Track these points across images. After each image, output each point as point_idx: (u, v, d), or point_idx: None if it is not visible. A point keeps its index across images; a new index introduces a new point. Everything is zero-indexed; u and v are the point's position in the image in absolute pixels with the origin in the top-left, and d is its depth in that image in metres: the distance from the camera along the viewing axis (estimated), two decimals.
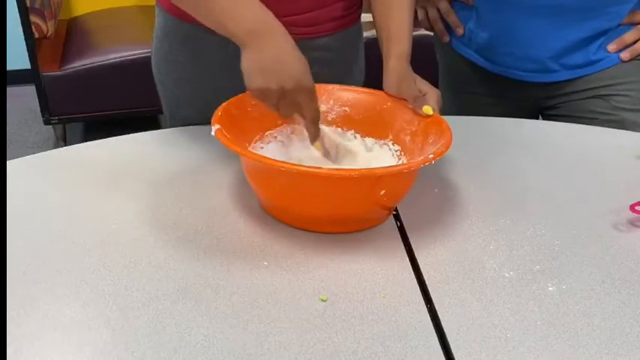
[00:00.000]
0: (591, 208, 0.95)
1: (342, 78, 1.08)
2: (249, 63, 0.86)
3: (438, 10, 1.34)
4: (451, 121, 0.91)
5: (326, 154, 0.95)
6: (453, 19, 1.32)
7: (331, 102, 1.00)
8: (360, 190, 0.84)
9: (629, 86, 1.24)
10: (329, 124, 1.00)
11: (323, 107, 1.00)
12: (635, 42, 1.21)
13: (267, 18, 0.87)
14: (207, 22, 0.91)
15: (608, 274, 0.82)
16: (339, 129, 1.00)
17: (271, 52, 0.86)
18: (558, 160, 1.09)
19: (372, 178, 0.82)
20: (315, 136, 0.93)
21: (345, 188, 0.83)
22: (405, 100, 0.96)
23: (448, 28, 1.35)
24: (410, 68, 0.98)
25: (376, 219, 0.90)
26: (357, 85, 1.08)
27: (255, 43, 0.86)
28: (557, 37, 1.21)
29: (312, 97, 0.89)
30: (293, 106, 0.88)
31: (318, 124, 0.92)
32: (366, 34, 1.23)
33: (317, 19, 1.08)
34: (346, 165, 0.95)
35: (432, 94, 0.96)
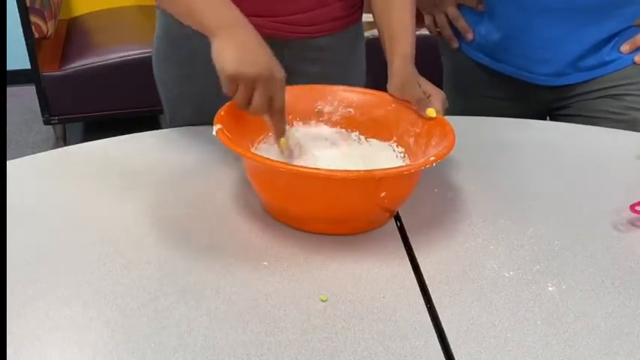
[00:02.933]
0: (591, 208, 0.95)
1: (342, 78, 1.08)
2: (221, 50, 0.85)
3: (446, 16, 1.31)
4: (451, 121, 0.91)
5: (289, 153, 0.93)
6: (462, 24, 1.30)
7: (336, 103, 1.00)
8: (359, 192, 0.83)
9: None
10: (333, 125, 1.00)
11: (327, 108, 0.99)
12: None
13: (237, 13, 0.87)
14: (183, 19, 0.92)
15: (608, 274, 0.81)
16: (344, 130, 1.00)
17: (243, 42, 0.86)
18: (558, 160, 1.09)
19: (371, 180, 0.82)
20: (281, 132, 0.91)
21: (343, 190, 0.83)
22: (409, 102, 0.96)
23: (456, 32, 1.33)
24: (414, 70, 0.98)
25: (377, 221, 0.89)
26: (357, 85, 1.08)
27: (225, 34, 0.86)
28: (573, 40, 1.19)
29: (283, 87, 0.88)
30: (266, 96, 0.86)
31: (285, 119, 0.90)
32: (366, 34, 1.22)
33: (318, 19, 1.08)
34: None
35: (437, 95, 0.95)
